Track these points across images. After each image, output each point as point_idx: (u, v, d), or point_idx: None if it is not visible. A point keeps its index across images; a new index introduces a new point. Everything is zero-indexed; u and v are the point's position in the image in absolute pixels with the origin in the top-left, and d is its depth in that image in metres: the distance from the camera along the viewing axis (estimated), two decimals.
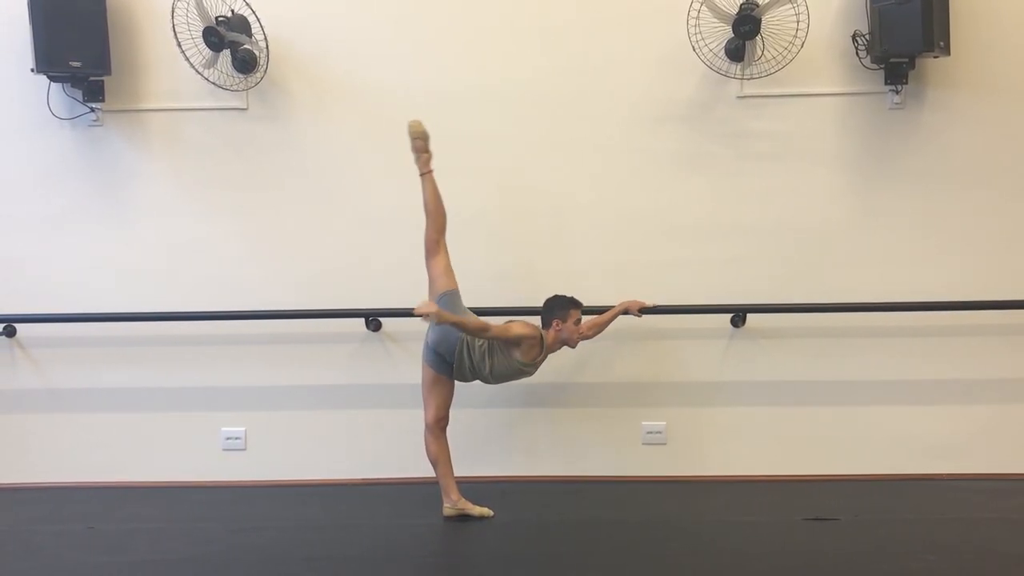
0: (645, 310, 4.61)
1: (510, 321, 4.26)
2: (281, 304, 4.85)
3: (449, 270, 4.32)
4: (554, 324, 4.32)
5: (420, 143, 4.30)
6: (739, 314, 4.81)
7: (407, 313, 4.64)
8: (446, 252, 4.33)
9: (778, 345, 4.87)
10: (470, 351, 4.22)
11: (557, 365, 4.81)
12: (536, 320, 4.32)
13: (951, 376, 4.85)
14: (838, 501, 4.49)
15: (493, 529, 4.23)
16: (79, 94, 4.81)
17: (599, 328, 4.54)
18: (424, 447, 4.35)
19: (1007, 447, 4.85)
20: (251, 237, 4.92)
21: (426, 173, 4.32)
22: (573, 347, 4.41)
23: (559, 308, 4.33)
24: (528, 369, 4.31)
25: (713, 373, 4.89)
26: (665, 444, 4.91)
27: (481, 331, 4.11)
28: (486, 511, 4.32)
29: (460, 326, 4.08)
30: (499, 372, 4.27)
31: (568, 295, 4.35)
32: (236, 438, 4.95)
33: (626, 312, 4.59)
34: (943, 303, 4.74)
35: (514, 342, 4.20)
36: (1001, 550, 3.85)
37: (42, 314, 4.85)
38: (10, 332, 4.93)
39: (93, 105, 4.84)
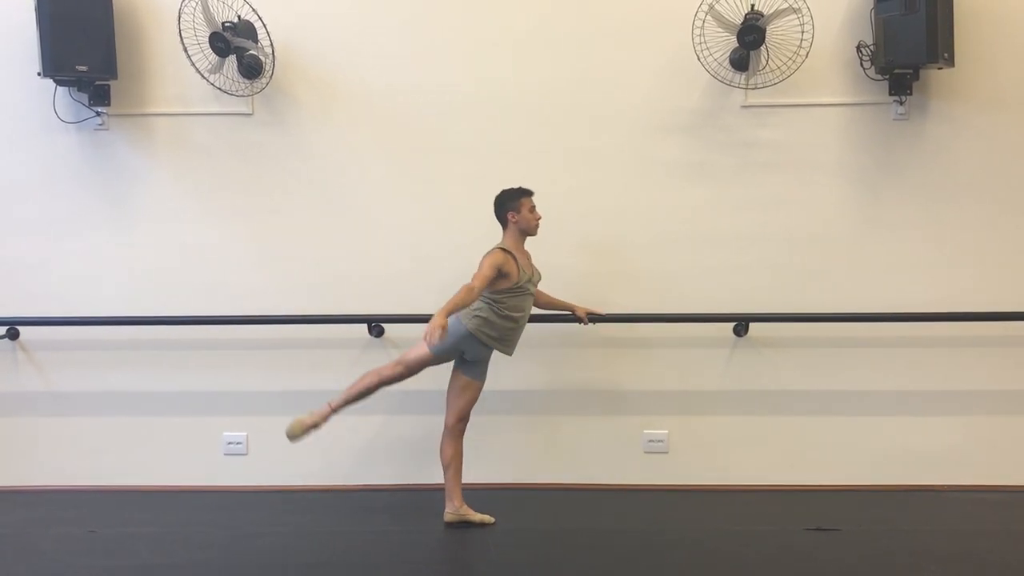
0: (594, 318, 4.61)
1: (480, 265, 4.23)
2: (284, 309, 4.86)
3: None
4: (509, 217, 4.32)
5: (311, 430, 4.26)
6: (742, 323, 4.81)
7: (410, 319, 4.69)
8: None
9: (780, 354, 4.87)
10: (489, 327, 4.21)
11: (558, 372, 4.84)
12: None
13: (954, 387, 4.85)
14: (839, 511, 4.50)
15: (493, 536, 4.23)
16: (85, 98, 4.82)
17: (548, 305, 4.57)
18: (439, 449, 4.36)
19: (1009, 458, 4.84)
20: (255, 242, 4.93)
21: (335, 412, 4.30)
22: (534, 234, 4.38)
23: (509, 200, 4.33)
24: (527, 287, 4.29)
25: (715, 382, 4.89)
26: (667, 453, 4.91)
27: (472, 291, 4.07)
28: (487, 518, 4.33)
29: (459, 306, 4.04)
30: (514, 306, 4.25)
31: (516, 186, 4.35)
32: (238, 443, 4.96)
33: (573, 312, 4.58)
34: (946, 314, 4.74)
35: (496, 277, 4.17)
36: (1001, 561, 3.85)
37: (45, 317, 4.86)
38: (13, 335, 4.94)
39: (99, 109, 4.85)
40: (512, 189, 4.36)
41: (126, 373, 4.95)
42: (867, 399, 4.86)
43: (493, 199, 4.36)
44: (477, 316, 4.21)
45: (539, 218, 4.37)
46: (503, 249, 4.26)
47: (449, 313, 3.97)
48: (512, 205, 4.32)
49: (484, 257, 4.22)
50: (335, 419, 4.87)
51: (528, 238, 4.37)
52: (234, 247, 4.93)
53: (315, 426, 4.21)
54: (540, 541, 4.17)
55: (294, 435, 4.19)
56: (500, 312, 4.23)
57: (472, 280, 4.10)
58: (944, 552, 3.95)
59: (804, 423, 4.88)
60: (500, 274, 4.19)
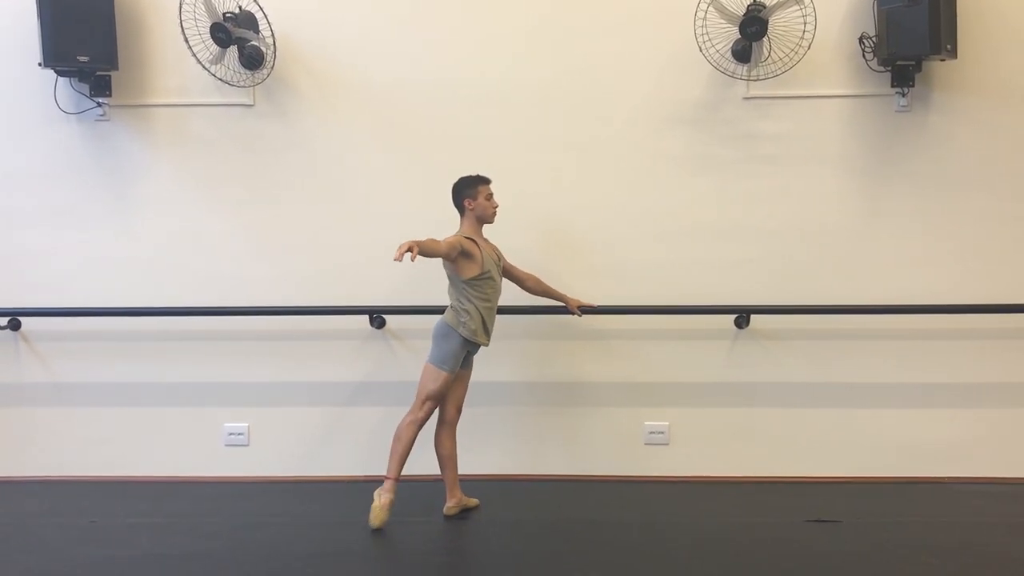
0: (586, 310, 4.66)
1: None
2: (285, 300, 4.89)
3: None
4: (466, 204, 4.33)
5: (390, 506, 4.20)
6: (743, 315, 4.83)
7: (410, 311, 4.72)
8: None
9: (781, 346, 4.89)
10: (477, 326, 4.24)
11: (560, 364, 4.85)
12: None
13: (955, 380, 4.87)
14: (840, 503, 4.52)
15: (495, 527, 4.26)
16: (86, 89, 4.84)
17: (543, 292, 4.60)
18: (436, 443, 4.39)
19: (1010, 451, 4.87)
20: (256, 233, 4.95)
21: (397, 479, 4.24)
22: (490, 222, 4.38)
23: (466, 187, 4.33)
24: (493, 273, 4.30)
25: (716, 374, 4.91)
26: (667, 444, 4.94)
27: (438, 244, 4.07)
28: (475, 500, 4.47)
29: (425, 248, 3.97)
30: (491, 294, 4.29)
31: (473, 173, 4.35)
32: (239, 434, 4.98)
33: (565, 303, 4.63)
34: (948, 306, 4.77)
35: (462, 253, 4.18)
36: (1002, 553, 3.87)
37: (47, 308, 4.88)
38: (15, 325, 4.96)
39: (100, 100, 4.87)
40: (469, 176, 4.35)
41: (127, 364, 4.98)
42: (868, 391, 4.89)
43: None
44: (466, 325, 4.23)
45: (496, 206, 4.37)
46: (467, 238, 4.28)
47: (419, 248, 3.89)
48: (469, 192, 4.32)
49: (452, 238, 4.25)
50: (335, 412, 4.97)
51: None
52: (235, 238, 4.94)
53: (391, 502, 4.18)
54: (542, 532, 4.20)
55: (381, 520, 4.14)
56: (481, 307, 4.25)
57: (446, 241, 4.12)
58: (944, 544, 3.97)
59: (805, 415, 4.91)
60: (464, 253, 4.19)
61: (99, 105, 4.88)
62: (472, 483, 4.53)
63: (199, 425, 4.99)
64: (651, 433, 4.94)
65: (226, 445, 4.99)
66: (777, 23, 4.57)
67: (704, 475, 4.91)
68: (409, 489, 4.71)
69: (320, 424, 4.98)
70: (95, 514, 4.42)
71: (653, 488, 4.80)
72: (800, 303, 4.81)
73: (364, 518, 4.30)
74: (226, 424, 4.99)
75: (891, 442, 4.88)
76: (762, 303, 4.82)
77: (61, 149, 4.93)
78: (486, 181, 4.36)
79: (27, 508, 4.55)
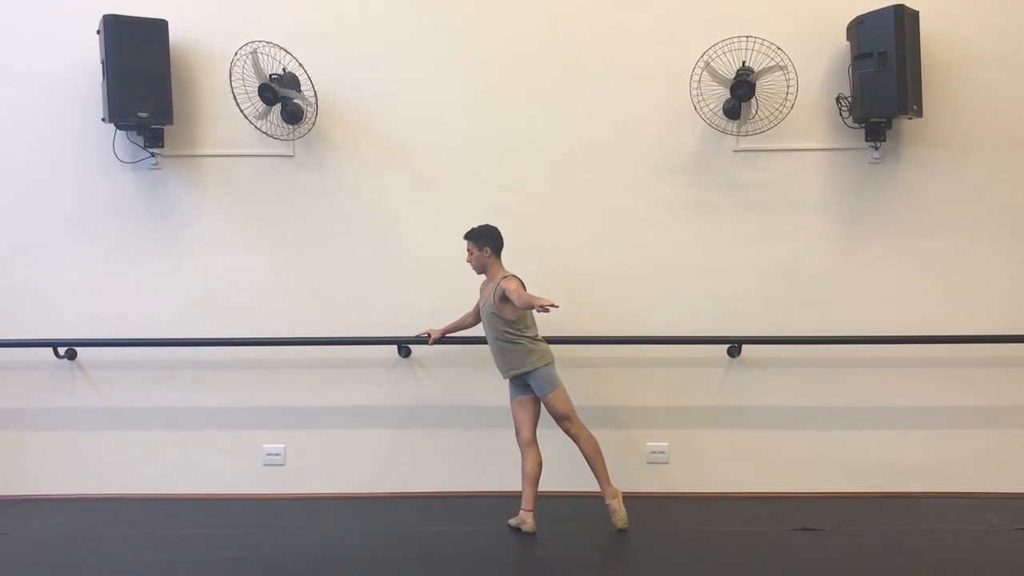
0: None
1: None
2: (320, 331, 5.28)
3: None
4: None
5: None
6: (735, 345, 5.25)
7: (435, 342, 5.10)
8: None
9: (770, 374, 5.32)
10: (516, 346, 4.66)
11: (570, 389, 5.06)
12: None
13: (924, 404, 5.30)
14: (823, 514, 4.92)
15: (511, 537, 4.65)
16: (141, 140, 5.27)
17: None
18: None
19: (973, 468, 5.29)
20: (293, 271, 5.37)
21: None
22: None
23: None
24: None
25: (712, 399, 5.33)
26: (668, 463, 5.36)
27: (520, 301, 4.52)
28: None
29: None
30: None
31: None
32: (276, 454, 5.38)
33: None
34: (916, 337, 5.20)
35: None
36: (965, 556, 4.32)
37: (102, 338, 5.27)
38: (71, 355, 5.36)
39: (153, 150, 5.30)
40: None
41: (174, 389, 5.37)
42: (847, 414, 5.31)
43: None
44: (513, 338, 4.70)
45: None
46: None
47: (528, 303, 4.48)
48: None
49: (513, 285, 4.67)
50: (364, 434, 5.37)
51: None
52: (274, 275, 5.36)
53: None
54: (554, 540, 4.60)
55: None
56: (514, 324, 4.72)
57: (519, 295, 4.58)
58: (915, 547, 4.41)
59: (791, 436, 5.32)
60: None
61: (152, 155, 5.31)
62: (492, 499, 4.94)
63: (239, 446, 5.37)
64: (652, 453, 5.34)
65: (264, 465, 5.37)
66: (763, 86, 5.05)
67: (701, 491, 5.30)
68: (428, 504, 5.10)
69: (350, 444, 5.35)
70: (151, 526, 4.81)
71: (655, 502, 5.18)
72: (786, 335, 5.23)
73: (388, 529, 4.72)
74: (264, 445, 5.38)
75: (868, 460, 5.29)
76: (752, 334, 5.24)
77: (117, 195, 5.35)
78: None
79: (87, 521, 4.93)
